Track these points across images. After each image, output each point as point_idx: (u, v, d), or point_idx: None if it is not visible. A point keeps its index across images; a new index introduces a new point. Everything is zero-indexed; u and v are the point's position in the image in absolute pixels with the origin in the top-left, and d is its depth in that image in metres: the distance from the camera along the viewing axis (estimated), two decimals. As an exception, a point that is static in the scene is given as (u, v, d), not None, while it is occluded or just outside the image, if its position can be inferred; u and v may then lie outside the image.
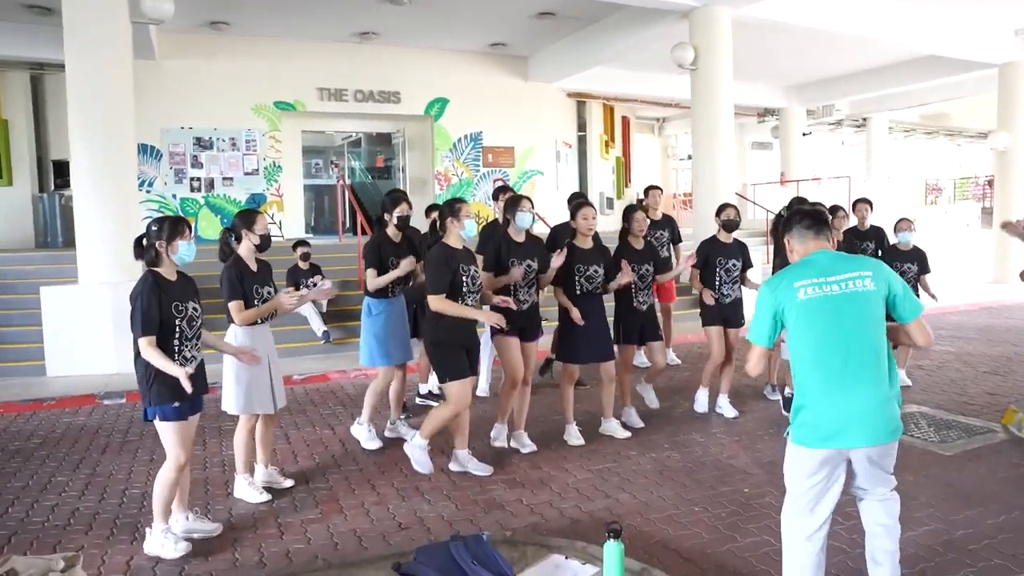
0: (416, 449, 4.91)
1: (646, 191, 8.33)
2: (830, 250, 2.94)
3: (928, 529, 3.98)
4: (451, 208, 4.73)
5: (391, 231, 5.54)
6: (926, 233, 15.33)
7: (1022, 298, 8.15)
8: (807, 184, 18.26)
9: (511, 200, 5.18)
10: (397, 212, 5.50)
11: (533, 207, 5.19)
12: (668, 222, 8.21)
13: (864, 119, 20.92)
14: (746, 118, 20.73)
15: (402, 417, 5.90)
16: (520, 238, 5.16)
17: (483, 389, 6.97)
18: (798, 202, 7.28)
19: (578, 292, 5.31)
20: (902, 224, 6.96)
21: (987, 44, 14.08)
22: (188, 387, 3.53)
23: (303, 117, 13.99)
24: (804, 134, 19.68)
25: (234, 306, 4.34)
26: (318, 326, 9.15)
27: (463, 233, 4.70)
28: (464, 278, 4.62)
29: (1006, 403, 6.28)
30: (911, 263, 6.87)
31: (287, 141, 13.74)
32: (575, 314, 5.23)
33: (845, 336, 2.77)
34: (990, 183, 22.51)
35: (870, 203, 7.27)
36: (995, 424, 5.88)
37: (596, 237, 5.56)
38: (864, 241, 7.09)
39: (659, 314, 7.09)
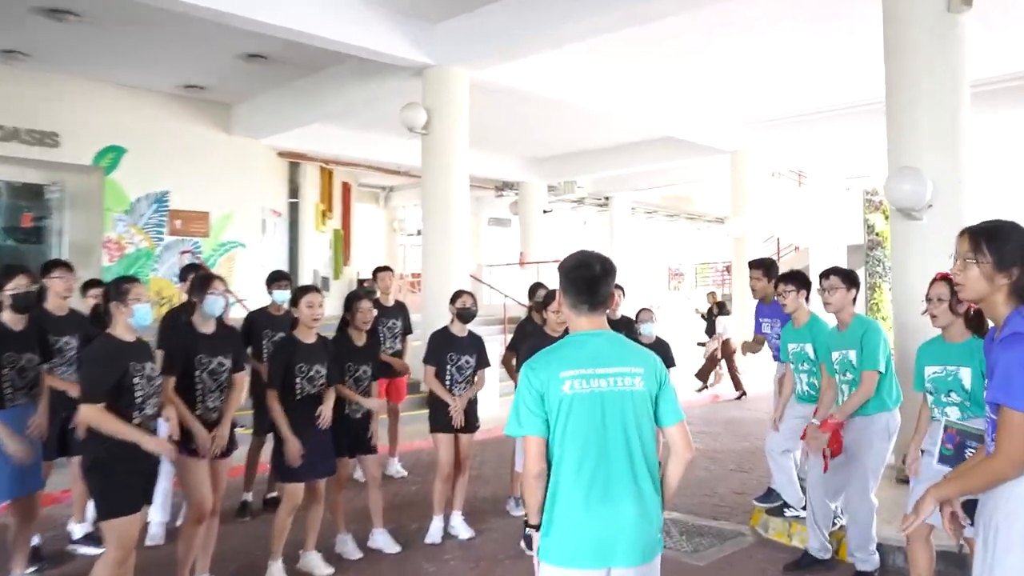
0: None
1: (375, 273, 8.38)
2: (605, 330, 2.97)
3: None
4: (117, 289, 4.33)
5: (7, 316, 4.98)
6: (670, 321, 16.86)
7: (766, 388, 9.21)
8: (548, 266, 19.40)
9: (198, 281, 5.03)
10: (10, 289, 4.95)
11: (227, 289, 5.00)
12: (400, 309, 8.33)
13: (607, 198, 22.84)
14: (483, 191, 21.73)
15: (31, 570, 5.20)
16: (208, 328, 4.96)
17: (156, 527, 6.29)
18: (538, 287, 7.73)
19: (297, 396, 5.24)
20: (643, 315, 7.53)
21: (719, 131, 16.17)
22: None
23: (-82, 160, 12.42)
24: (545, 211, 21.04)
25: None
26: None
27: (132, 322, 4.31)
28: (137, 379, 4.22)
29: (752, 503, 6.90)
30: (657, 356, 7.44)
31: None
32: (285, 432, 5.16)
33: (609, 441, 2.84)
34: (728, 269, 25.48)
35: (622, 289, 7.81)
36: (744, 527, 6.46)
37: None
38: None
39: (386, 416, 7.05)
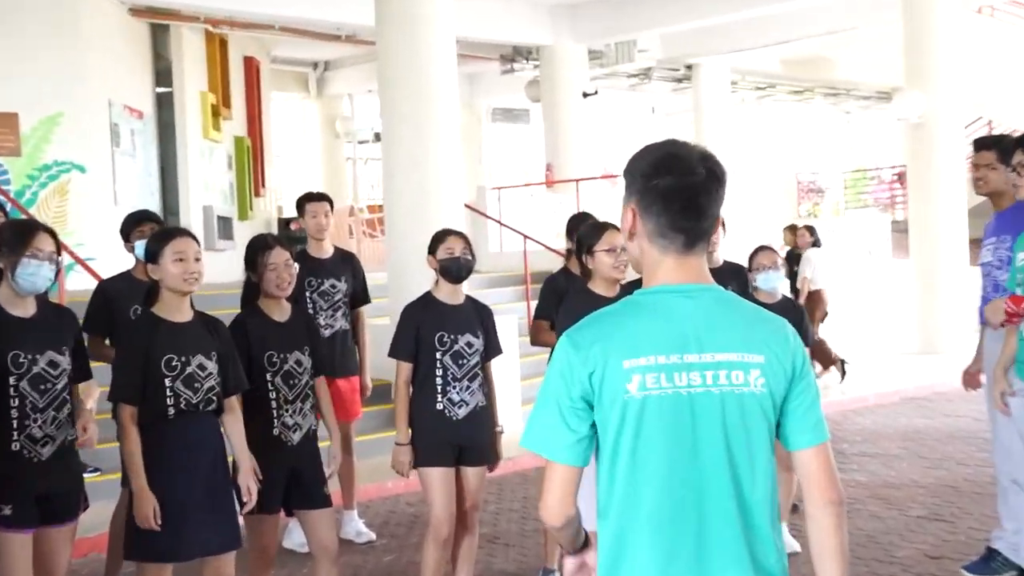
0: None
1: (300, 205, 8.38)
2: (706, 284, 2.89)
3: None
4: None
5: None
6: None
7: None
8: (593, 185, 19.28)
9: (8, 233, 5.12)
10: None
11: (58, 247, 5.06)
12: (345, 263, 8.36)
13: (688, 67, 22.60)
14: (482, 64, 21.67)
15: None
16: (26, 310, 5.01)
17: None
18: (582, 220, 7.66)
19: (169, 412, 5.21)
20: (761, 258, 7.46)
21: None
22: None
23: None
24: (587, 94, 20.84)
25: None
26: None
27: None
28: None
29: (960, 574, 6.87)
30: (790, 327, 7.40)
31: None
32: (132, 473, 5.14)
33: (703, 477, 2.75)
34: (901, 178, 25.26)
35: (722, 222, 7.74)
36: (947, 614, 6.42)
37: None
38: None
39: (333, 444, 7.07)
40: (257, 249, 5.93)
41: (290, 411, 5.83)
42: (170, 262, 5.25)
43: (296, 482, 5.80)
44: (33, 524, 4.89)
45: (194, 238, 5.45)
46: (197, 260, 5.32)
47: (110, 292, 7.06)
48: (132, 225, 7.08)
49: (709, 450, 2.74)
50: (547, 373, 2.85)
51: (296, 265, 6.07)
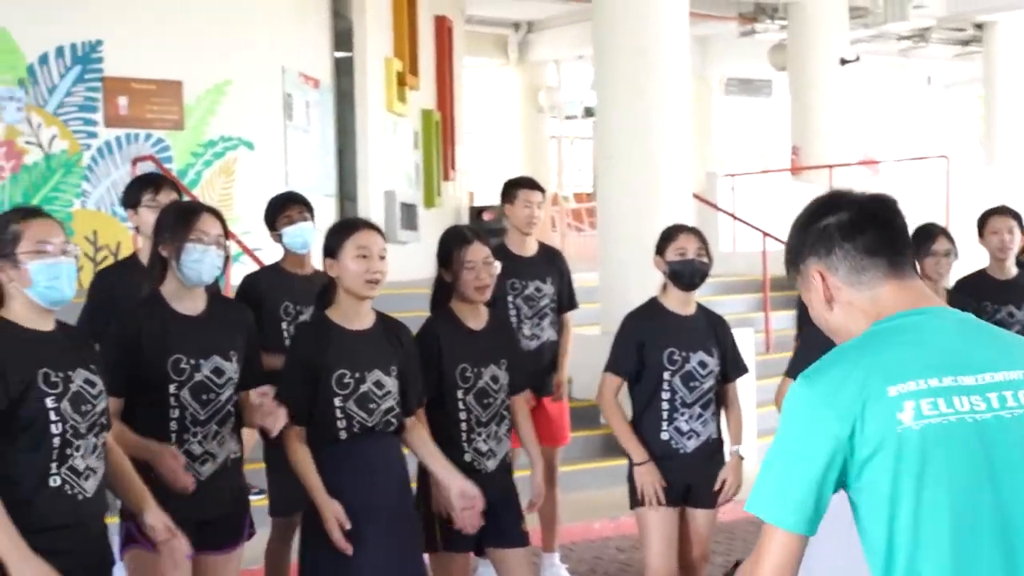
0: None
1: (507, 192, 8.38)
2: (935, 305, 2.87)
3: None
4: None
5: None
6: None
7: None
8: (851, 171, 19.01)
9: (173, 216, 5.25)
10: None
11: (226, 231, 5.19)
12: (550, 261, 8.37)
13: (978, 26, 22.16)
14: (716, 25, 21.67)
15: None
16: (192, 305, 5.19)
17: None
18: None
19: (340, 433, 5.31)
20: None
21: None
22: None
23: None
24: (845, 61, 20.59)
25: None
26: None
27: (35, 294, 4.39)
28: (52, 402, 4.28)
29: None
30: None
31: None
32: (313, 488, 5.22)
33: (1011, 523, 2.66)
34: None
35: (1018, 219, 7.60)
36: None
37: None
38: (1004, 303, 7.45)
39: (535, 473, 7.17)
40: (453, 243, 5.94)
41: (483, 435, 5.86)
42: (351, 258, 5.32)
43: (489, 517, 5.75)
44: (190, 548, 4.91)
45: (379, 231, 5.51)
46: (382, 258, 5.38)
47: (259, 287, 7.11)
48: (276, 210, 7.16)
49: (1013, 491, 2.66)
50: (783, 424, 2.76)
51: (498, 264, 6.07)
